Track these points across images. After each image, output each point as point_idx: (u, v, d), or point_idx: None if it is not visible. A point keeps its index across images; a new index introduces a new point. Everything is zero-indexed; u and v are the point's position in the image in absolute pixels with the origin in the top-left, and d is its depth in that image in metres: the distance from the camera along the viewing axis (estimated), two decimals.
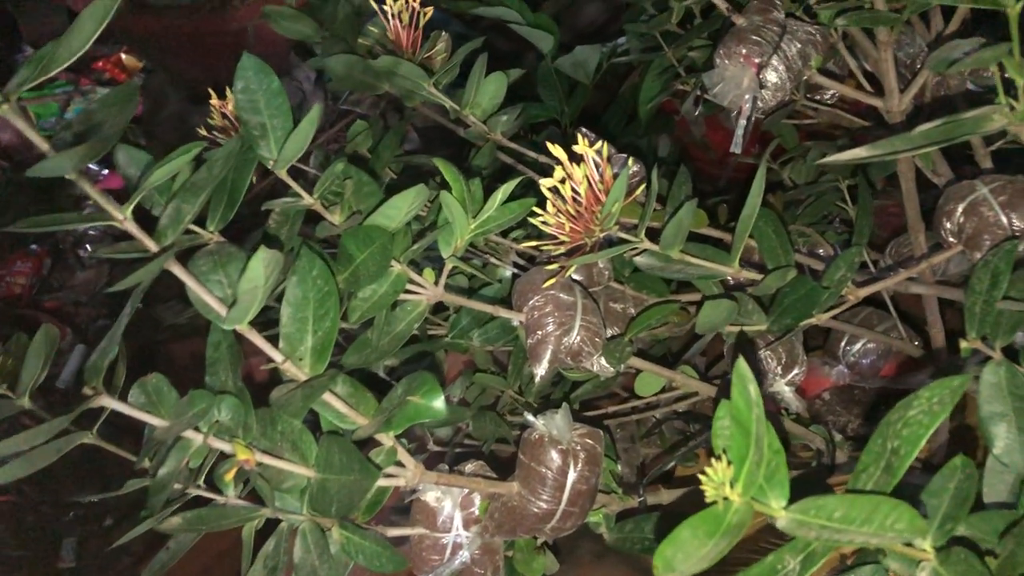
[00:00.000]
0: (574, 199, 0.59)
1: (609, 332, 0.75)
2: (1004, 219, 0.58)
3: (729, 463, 0.37)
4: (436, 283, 0.62)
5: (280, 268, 0.47)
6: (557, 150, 0.59)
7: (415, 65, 0.81)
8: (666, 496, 0.69)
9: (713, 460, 0.37)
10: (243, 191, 0.55)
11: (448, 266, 0.61)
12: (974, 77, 0.73)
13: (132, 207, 0.45)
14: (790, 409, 0.74)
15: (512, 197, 0.95)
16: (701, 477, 0.37)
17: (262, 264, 0.44)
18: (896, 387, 1.03)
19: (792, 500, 0.37)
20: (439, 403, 0.48)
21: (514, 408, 0.89)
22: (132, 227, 0.46)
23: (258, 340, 0.50)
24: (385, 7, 0.84)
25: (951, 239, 0.61)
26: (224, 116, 0.84)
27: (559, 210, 0.60)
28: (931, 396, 0.38)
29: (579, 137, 0.67)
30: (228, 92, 0.83)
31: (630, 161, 0.66)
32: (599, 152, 0.60)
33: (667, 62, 1.01)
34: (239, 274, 0.50)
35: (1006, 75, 0.45)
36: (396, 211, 0.56)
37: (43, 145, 0.42)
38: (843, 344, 0.92)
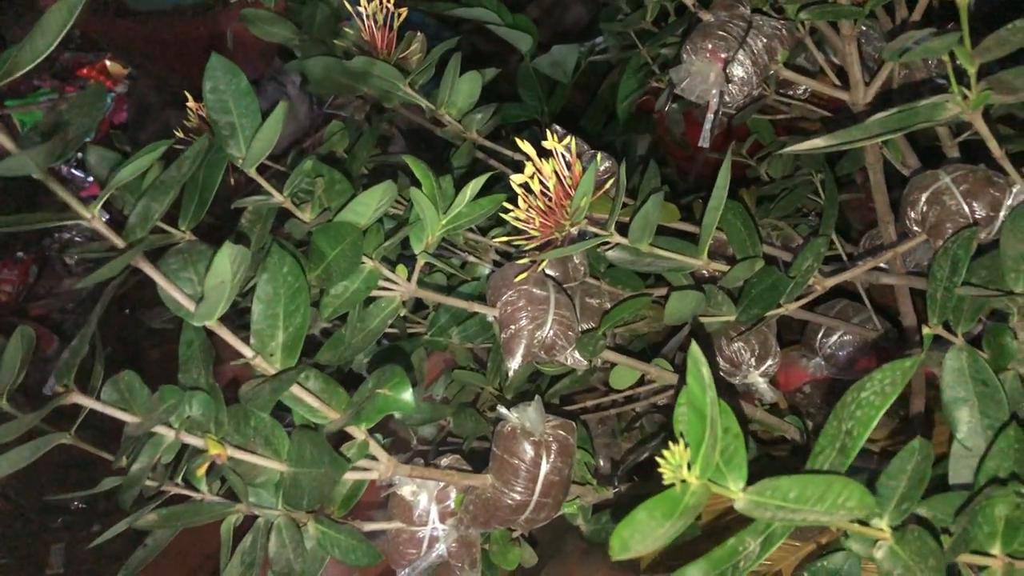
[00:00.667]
0: (544, 194, 0.59)
1: (585, 327, 0.76)
2: (966, 207, 0.59)
3: (687, 446, 0.37)
4: (409, 279, 0.62)
5: (248, 264, 0.48)
6: (526, 146, 0.60)
7: (390, 65, 0.81)
8: (642, 488, 0.69)
9: (671, 443, 0.38)
10: (214, 190, 0.56)
11: (420, 262, 0.61)
12: (940, 69, 0.74)
13: (100, 205, 0.46)
14: (764, 400, 0.75)
15: (490, 195, 0.96)
16: (659, 460, 0.38)
17: (228, 260, 0.44)
18: None
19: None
20: (407, 395, 0.49)
21: (494, 404, 0.90)
22: (100, 225, 0.46)
23: (228, 336, 0.50)
24: (360, 8, 0.85)
25: (916, 228, 0.62)
26: (200, 118, 0.85)
27: (530, 205, 0.61)
28: (883, 378, 0.39)
29: (548, 133, 0.68)
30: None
31: (599, 156, 0.66)
32: (568, 147, 0.61)
33: (642, 60, 1.02)
34: None
35: (957, 63, 0.46)
36: (365, 207, 0.56)
37: (9, 144, 0.42)
38: (819, 337, 0.93)
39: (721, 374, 0.75)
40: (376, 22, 0.86)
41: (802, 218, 0.91)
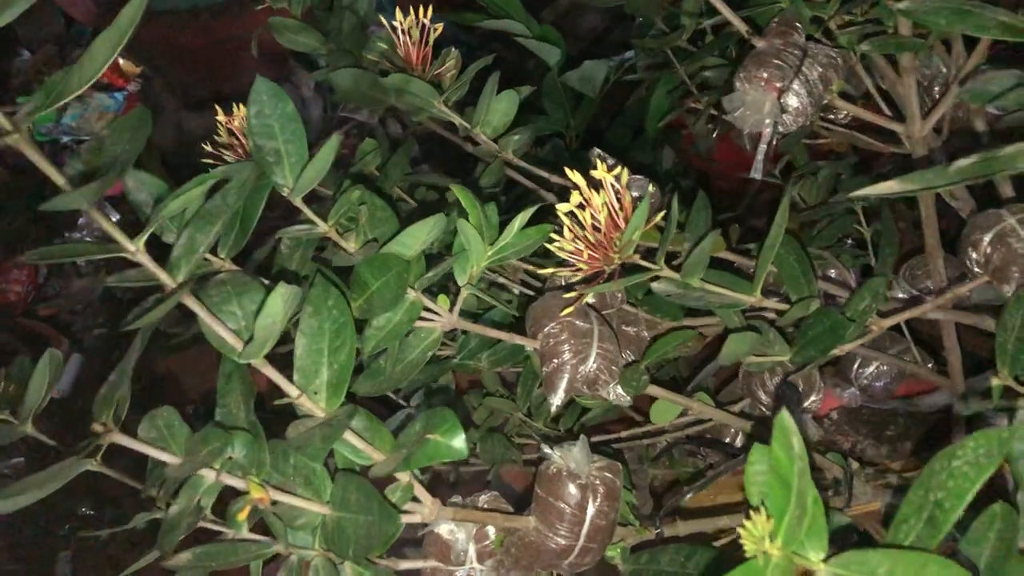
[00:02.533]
0: (593, 227, 0.57)
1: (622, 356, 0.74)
2: None
3: (768, 516, 0.36)
4: (451, 310, 0.60)
5: (298, 301, 0.46)
6: (576, 176, 0.58)
7: (425, 83, 0.80)
8: (683, 527, 0.67)
9: (752, 512, 0.36)
10: (255, 218, 0.54)
11: (464, 294, 0.59)
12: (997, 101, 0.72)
13: (144, 239, 0.44)
14: (807, 437, 0.73)
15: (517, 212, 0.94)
16: (740, 531, 0.36)
17: (281, 301, 0.42)
18: (908, 409, 1.02)
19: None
20: (459, 442, 0.47)
21: (522, 430, 0.88)
22: (144, 259, 0.44)
23: (272, 374, 0.48)
24: (395, 23, 0.83)
25: (977, 269, 0.60)
26: (231, 132, 0.82)
27: (576, 236, 0.59)
28: (976, 447, 0.37)
29: (596, 161, 0.66)
30: (235, 108, 0.82)
31: (651, 187, 0.64)
32: (617, 178, 0.59)
33: (677, 79, 1.00)
34: (254, 305, 0.49)
35: None
36: (413, 240, 0.54)
37: (59, 180, 0.40)
38: (855, 367, 0.91)
39: (763, 409, 0.73)
40: (411, 37, 0.84)
41: (841, 246, 0.89)
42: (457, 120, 0.83)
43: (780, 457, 0.35)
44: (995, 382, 0.52)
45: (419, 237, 0.54)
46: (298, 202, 0.53)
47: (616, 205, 0.59)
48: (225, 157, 0.81)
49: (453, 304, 0.60)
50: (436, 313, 0.60)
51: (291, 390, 0.49)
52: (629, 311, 0.78)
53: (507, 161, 0.87)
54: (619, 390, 0.65)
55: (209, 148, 0.82)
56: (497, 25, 1.17)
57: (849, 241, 0.94)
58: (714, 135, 0.79)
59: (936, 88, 0.75)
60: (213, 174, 0.45)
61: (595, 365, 0.63)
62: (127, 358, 0.48)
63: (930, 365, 0.90)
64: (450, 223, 0.61)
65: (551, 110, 1.27)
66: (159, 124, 2.21)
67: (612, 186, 0.58)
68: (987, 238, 0.58)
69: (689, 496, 0.66)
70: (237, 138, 0.81)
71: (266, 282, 0.54)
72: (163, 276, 0.45)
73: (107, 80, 2.41)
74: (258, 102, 0.53)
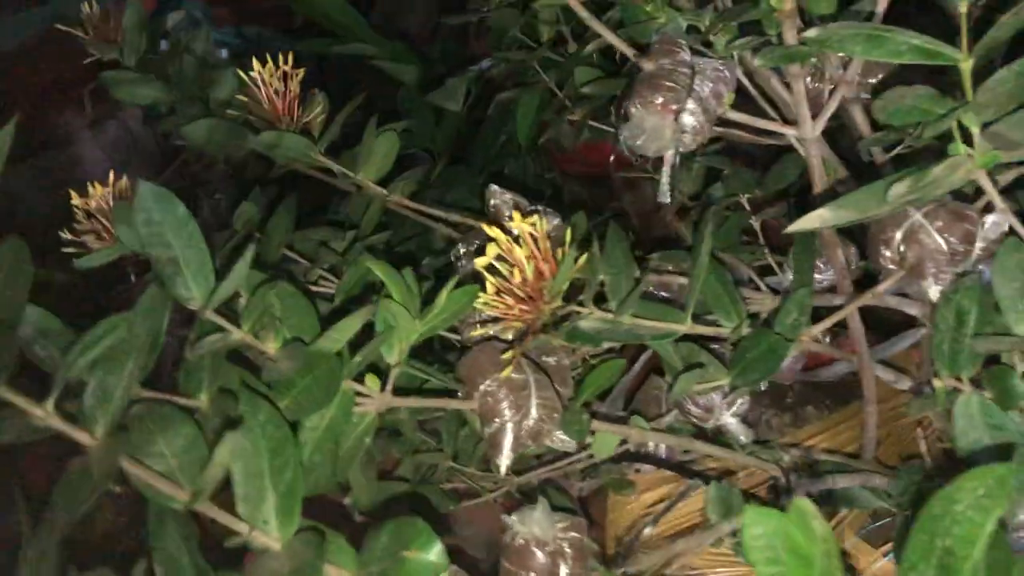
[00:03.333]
0: (523, 282, 0.55)
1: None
2: (943, 244, 0.58)
3: None
4: (382, 389, 0.57)
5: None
6: (495, 231, 0.55)
7: (298, 136, 0.75)
8: (645, 562, 0.67)
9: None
10: (162, 335, 0.48)
11: (395, 372, 0.56)
12: (864, 89, 0.73)
13: (55, 399, 0.39)
14: (740, 441, 0.74)
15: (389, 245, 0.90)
16: None
17: (228, 451, 0.38)
18: (808, 380, 1.05)
19: None
20: (436, 555, 0.43)
21: (451, 475, 0.85)
22: (56, 422, 0.39)
23: (216, 513, 0.44)
24: (254, 74, 0.78)
25: (890, 266, 0.61)
26: (89, 215, 0.75)
27: (500, 290, 0.57)
28: (975, 488, 0.37)
29: (512, 212, 0.63)
30: (92, 187, 0.75)
31: (569, 240, 0.62)
32: (534, 224, 0.57)
33: (544, 91, 0.98)
34: (182, 439, 0.44)
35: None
36: (342, 334, 0.51)
37: None
38: None
39: (693, 422, 0.73)
40: (271, 86, 0.79)
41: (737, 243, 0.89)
42: (336, 168, 0.79)
43: (798, 538, 0.34)
44: (939, 385, 0.53)
45: (347, 332, 0.50)
46: (209, 315, 0.48)
47: (537, 255, 0.57)
48: (89, 245, 0.73)
49: (385, 383, 0.57)
50: (367, 396, 0.56)
51: (239, 526, 0.44)
52: (543, 338, 0.76)
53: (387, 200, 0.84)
54: (562, 436, 0.64)
55: (69, 236, 0.74)
56: (349, 50, 1.13)
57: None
58: (612, 157, 0.78)
59: (812, 82, 0.75)
60: (122, 320, 0.39)
61: (537, 415, 0.61)
62: (47, 540, 0.42)
63: (827, 340, 0.92)
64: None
65: (415, 127, 1.23)
66: None
67: (531, 236, 0.56)
68: (898, 235, 0.60)
69: (648, 530, 0.66)
70: (99, 221, 0.74)
71: (189, 405, 0.50)
72: (81, 436, 0.40)
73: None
74: (145, 209, 0.47)
